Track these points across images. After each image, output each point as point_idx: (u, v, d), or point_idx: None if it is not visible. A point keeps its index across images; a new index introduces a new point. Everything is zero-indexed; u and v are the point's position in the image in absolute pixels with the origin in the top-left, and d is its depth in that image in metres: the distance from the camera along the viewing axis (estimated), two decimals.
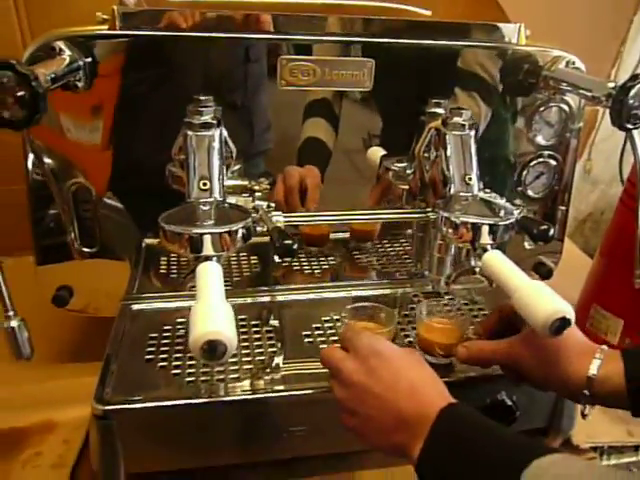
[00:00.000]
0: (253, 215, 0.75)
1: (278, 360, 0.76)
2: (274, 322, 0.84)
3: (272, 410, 0.67)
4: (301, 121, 0.83)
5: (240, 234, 0.67)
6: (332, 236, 0.97)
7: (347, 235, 0.98)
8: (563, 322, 0.56)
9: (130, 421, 0.63)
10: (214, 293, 0.57)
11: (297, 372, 0.72)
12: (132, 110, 0.77)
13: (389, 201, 0.96)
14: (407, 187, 0.91)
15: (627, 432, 0.79)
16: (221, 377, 0.69)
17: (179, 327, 0.79)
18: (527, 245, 0.93)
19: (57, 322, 0.90)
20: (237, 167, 0.82)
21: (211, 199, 0.70)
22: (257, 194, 0.79)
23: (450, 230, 0.73)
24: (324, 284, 0.93)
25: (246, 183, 0.81)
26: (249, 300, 0.89)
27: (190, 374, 0.69)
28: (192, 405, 0.65)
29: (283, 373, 0.72)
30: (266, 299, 0.89)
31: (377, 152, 0.92)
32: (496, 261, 0.67)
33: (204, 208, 0.69)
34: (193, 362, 0.71)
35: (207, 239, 0.64)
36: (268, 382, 0.69)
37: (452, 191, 0.77)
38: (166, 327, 0.78)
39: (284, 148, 0.84)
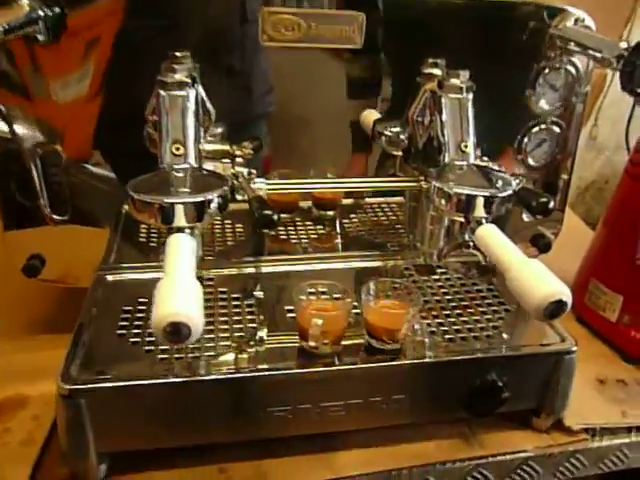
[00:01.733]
0: (235, 182, 0.71)
1: (262, 333, 0.72)
2: (258, 293, 0.81)
3: (253, 389, 0.64)
4: (303, 83, 0.78)
5: (215, 204, 0.62)
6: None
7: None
8: (559, 306, 0.52)
9: (98, 400, 0.60)
10: (182, 269, 0.52)
11: (282, 346, 0.69)
12: (109, 68, 0.71)
13: (381, 168, 0.91)
14: (400, 153, 0.85)
15: (621, 413, 0.76)
16: (196, 355, 0.66)
17: None
18: (525, 217, 0.88)
19: (31, 292, 0.86)
20: (219, 130, 0.77)
21: (185, 165, 0.65)
22: (238, 159, 0.74)
23: (443, 201, 0.68)
24: (311, 255, 0.88)
25: (227, 148, 0.76)
26: (233, 271, 0.84)
27: (164, 350, 0.66)
28: (165, 385, 0.61)
29: (268, 347, 0.69)
30: (251, 270, 0.85)
31: (371, 116, 0.86)
32: (490, 236, 0.63)
33: (177, 175, 0.64)
34: None
35: (179, 209, 0.60)
36: (249, 359, 0.66)
37: (446, 159, 0.72)
38: (142, 300, 0.74)
39: (286, 111, 0.81)
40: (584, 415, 0.75)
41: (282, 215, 0.95)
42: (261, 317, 0.74)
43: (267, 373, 0.63)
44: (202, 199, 0.61)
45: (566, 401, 0.72)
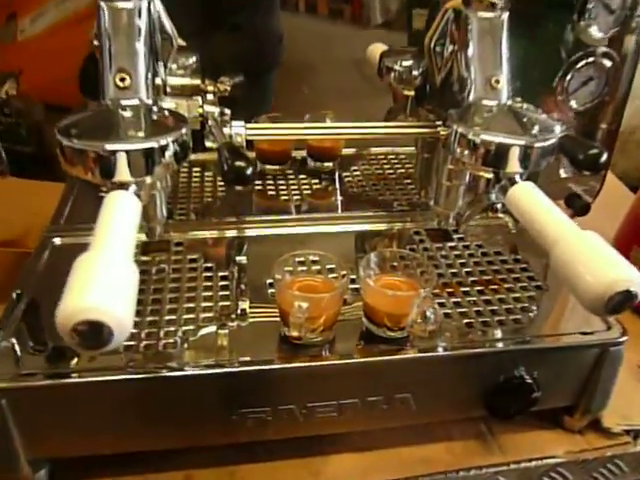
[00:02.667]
0: (207, 126, 0.56)
1: (244, 305, 0.59)
2: (241, 259, 0.67)
3: (222, 387, 0.51)
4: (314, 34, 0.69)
5: (171, 151, 0.48)
6: None
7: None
8: (626, 297, 0.38)
9: (25, 401, 0.48)
10: (113, 244, 0.39)
11: (265, 320, 0.56)
12: None
13: (390, 111, 0.76)
14: (412, 93, 0.70)
15: None
16: (153, 341, 0.53)
17: None
18: (563, 172, 0.73)
19: None
20: (190, 61, 0.61)
21: (133, 101, 0.50)
22: (209, 97, 0.59)
23: (466, 151, 0.54)
24: (305, 215, 0.74)
25: (197, 82, 0.61)
26: (211, 234, 0.70)
27: None
28: (108, 382, 0.48)
29: (251, 321, 0.57)
30: (232, 233, 0.71)
31: (378, 49, 0.71)
32: (528, 198, 0.48)
33: (122, 114, 0.49)
34: None
35: (121, 158, 0.45)
36: (218, 348, 0.53)
37: (472, 98, 0.56)
38: None
39: (297, 62, 0.72)
40: (625, 414, 0.62)
41: (272, 167, 0.84)
42: (242, 287, 0.61)
43: (239, 369, 0.50)
44: (152, 145, 0.46)
45: (607, 399, 0.59)
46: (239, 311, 0.58)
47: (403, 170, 0.83)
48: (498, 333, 0.56)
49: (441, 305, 0.58)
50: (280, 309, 0.52)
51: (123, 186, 0.46)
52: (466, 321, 0.57)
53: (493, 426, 0.61)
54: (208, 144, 0.54)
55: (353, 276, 0.57)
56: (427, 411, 0.56)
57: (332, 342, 0.53)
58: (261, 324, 0.56)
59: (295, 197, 0.77)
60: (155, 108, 0.51)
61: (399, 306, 0.51)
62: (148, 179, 0.47)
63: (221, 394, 0.51)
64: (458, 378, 0.54)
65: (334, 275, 0.55)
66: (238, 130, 0.59)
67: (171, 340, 0.53)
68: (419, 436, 0.59)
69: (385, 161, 0.85)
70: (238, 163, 0.48)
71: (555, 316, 0.59)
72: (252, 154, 0.82)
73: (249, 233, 0.72)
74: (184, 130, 0.49)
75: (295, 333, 0.48)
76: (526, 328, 0.57)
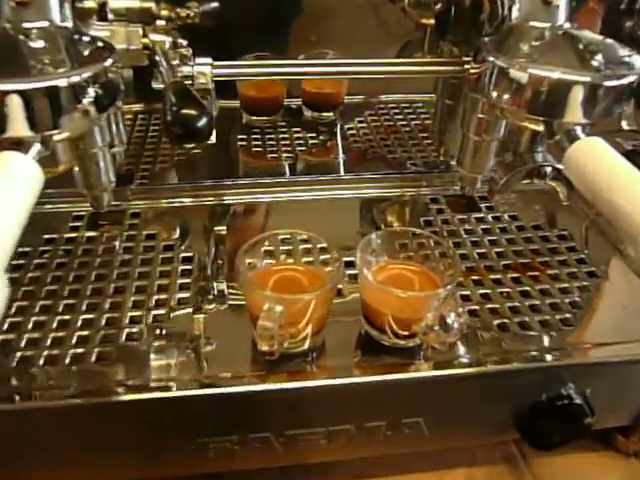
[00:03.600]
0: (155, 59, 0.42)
1: (221, 286, 0.47)
2: (220, 229, 0.54)
3: (174, 413, 0.39)
4: None
5: (91, 94, 0.34)
6: None
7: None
8: None
9: None
10: None
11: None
12: None
13: (404, 47, 0.61)
14: (432, 22, 0.55)
15: None
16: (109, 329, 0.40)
17: (66, 245, 0.49)
18: (625, 124, 0.57)
19: None
20: None
21: (40, 23, 0.36)
22: (160, 23, 0.45)
23: (505, 93, 0.39)
24: (297, 178, 0.60)
25: (148, 5, 0.46)
26: (184, 202, 0.57)
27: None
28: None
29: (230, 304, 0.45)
30: (209, 201, 0.58)
31: None
32: (598, 161, 0.34)
33: (25, 41, 0.35)
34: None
35: (14, 103, 0.32)
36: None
37: (514, 18, 0.41)
38: (47, 236, 0.49)
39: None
40: None
41: (260, 118, 0.70)
42: (219, 262, 0.49)
43: (195, 392, 0.37)
44: (59, 83, 0.32)
45: None
46: (215, 293, 0.46)
47: (419, 122, 0.69)
48: (540, 339, 0.42)
49: (464, 299, 0.45)
50: (249, 312, 0.39)
51: (20, 145, 0.32)
52: (498, 321, 0.43)
53: (526, 447, 0.48)
54: (155, 85, 0.40)
55: (352, 258, 0.44)
56: (443, 437, 0.43)
57: (320, 351, 0.40)
58: (240, 310, 0.43)
59: (287, 155, 0.64)
60: (76, 36, 0.37)
61: (409, 309, 0.37)
62: (56, 134, 0.34)
63: (176, 420, 0.39)
64: (486, 399, 0.41)
65: (327, 257, 0.42)
66: (202, 68, 0.45)
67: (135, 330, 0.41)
68: (433, 461, 0.47)
69: (397, 111, 0.71)
70: (185, 111, 0.34)
71: (615, 314, 0.45)
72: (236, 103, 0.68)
73: (229, 200, 0.58)
74: (108, 63, 0.34)
75: (265, 347, 0.35)
76: (577, 332, 0.43)
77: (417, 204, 0.58)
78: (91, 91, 0.34)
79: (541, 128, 0.38)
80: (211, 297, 0.46)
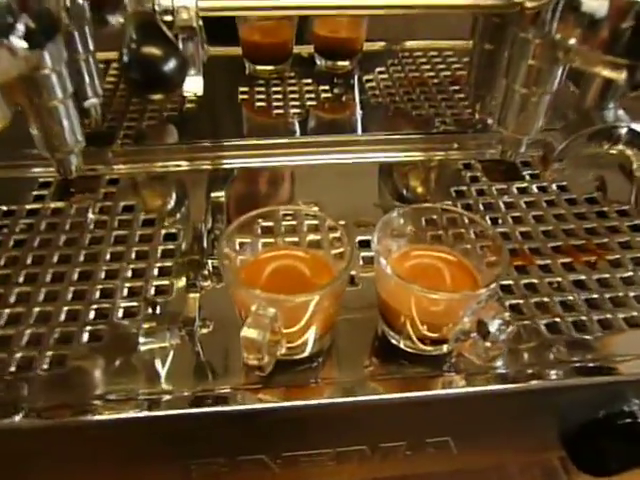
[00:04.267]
0: None
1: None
2: (218, 195, 0.47)
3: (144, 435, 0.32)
4: None
5: (18, 28, 0.25)
6: None
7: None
8: None
9: None
10: None
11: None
12: None
13: None
14: None
15: None
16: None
17: (27, 218, 0.42)
18: None
19: None
20: None
21: None
22: None
23: (575, 30, 0.29)
24: (305, 139, 0.52)
25: None
26: (176, 165, 0.49)
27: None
28: None
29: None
30: (204, 165, 0.50)
31: None
32: None
33: None
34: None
35: None
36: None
37: None
38: (5, 207, 0.42)
39: None
40: None
41: (265, 68, 0.61)
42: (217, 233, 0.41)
43: (174, 412, 0.30)
44: None
45: None
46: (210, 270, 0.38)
47: (449, 72, 0.59)
48: (600, 344, 0.34)
49: (504, 290, 0.37)
50: (236, 308, 0.31)
51: None
52: (546, 320, 0.35)
53: (569, 463, 0.41)
54: (112, 18, 0.32)
55: (369, 236, 0.36)
56: (474, 457, 0.36)
57: (327, 356, 0.33)
58: None
59: (295, 112, 0.55)
60: None
61: (439, 312, 0.29)
62: None
63: (151, 439, 0.32)
64: (528, 416, 0.34)
65: (337, 240, 0.33)
66: (185, 1, 0.36)
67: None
68: (462, 477, 0.40)
69: (424, 60, 0.61)
70: (146, 51, 0.26)
71: None
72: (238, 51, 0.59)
73: (228, 164, 0.50)
74: None
75: (253, 361, 0.27)
76: None
77: (447, 171, 0.49)
78: (18, 26, 0.25)
79: (622, 76, 0.29)
80: (206, 273, 0.38)
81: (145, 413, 0.30)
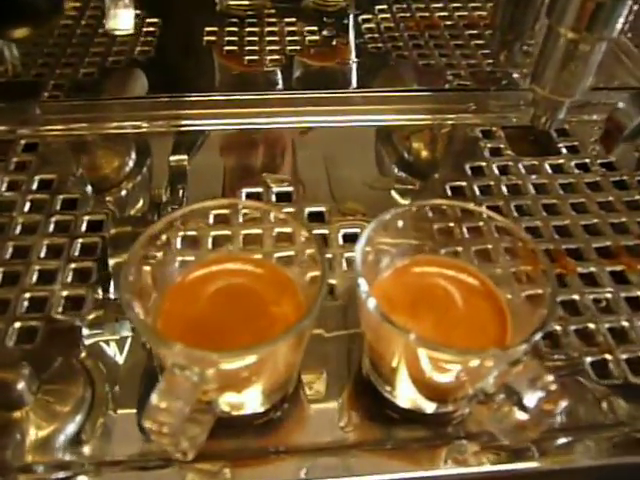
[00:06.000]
0: None
1: None
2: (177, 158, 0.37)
3: None
4: None
5: None
6: None
7: None
8: None
9: None
10: None
11: None
12: None
13: None
14: None
15: None
16: None
17: None
18: None
19: None
20: None
21: None
22: None
23: None
24: (286, 95, 0.42)
25: None
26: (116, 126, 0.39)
27: None
28: None
29: None
30: (159, 127, 0.40)
31: None
32: None
33: None
34: None
35: None
36: None
37: None
38: None
39: None
40: None
41: (240, 2, 0.49)
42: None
43: None
44: None
45: None
46: None
47: (465, 13, 0.48)
48: None
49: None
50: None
51: None
52: (591, 356, 0.26)
53: None
54: None
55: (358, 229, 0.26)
56: None
57: (288, 410, 0.23)
58: None
59: (273, 59, 0.44)
60: None
61: (447, 373, 0.20)
62: None
63: None
64: None
65: (307, 252, 0.23)
66: None
67: None
68: None
69: None
70: None
71: None
72: None
73: (188, 125, 0.40)
74: None
75: (167, 448, 0.18)
76: None
77: (460, 139, 0.38)
78: None
79: None
80: None
81: None
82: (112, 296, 0.28)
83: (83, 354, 0.26)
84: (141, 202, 0.34)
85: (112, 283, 0.28)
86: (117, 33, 0.31)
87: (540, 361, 0.22)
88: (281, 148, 0.39)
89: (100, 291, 0.28)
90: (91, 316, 0.27)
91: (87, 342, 0.26)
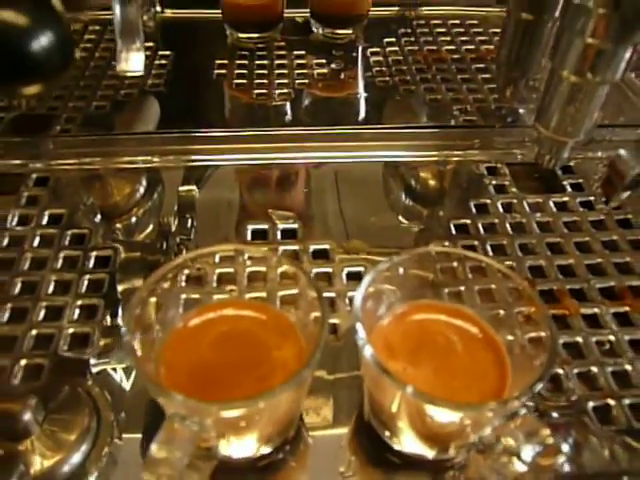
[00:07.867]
0: None
1: None
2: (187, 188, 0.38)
3: None
4: None
5: None
6: None
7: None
8: None
9: None
10: None
11: None
12: None
13: None
14: None
15: None
16: None
17: None
18: None
19: None
20: None
21: None
22: None
23: None
24: (293, 130, 0.42)
25: None
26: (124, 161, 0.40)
27: None
28: None
29: None
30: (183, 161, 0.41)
31: None
32: None
33: None
34: None
35: None
36: None
37: None
38: None
39: None
40: None
41: (248, 36, 0.50)
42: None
43: None
44: None
45: None
46: None
47: (472, 47, 0.48)
48: None
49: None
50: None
51: None
52: (594, 401, 0.26)
53: None
54: None
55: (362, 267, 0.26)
56: None
57: (287, 455, 0.24)
58: None
59: (283, 93, 0.44)
60: None
61: (446, 424, 0.20)
62: None
63: None
64: None
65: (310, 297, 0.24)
66: None
67: None
68: None
69: (443, 30, 0.50)
70: None
71: None
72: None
73: (198, 160, 0.40)
74: None
75: None
76: None
77: (465, 175, 0.39)
78: None
79: None
80: None
81: None
82: (120, 322, 0.28)
83: (90, 382, 0.26)
84: (150, 229, 0.35)
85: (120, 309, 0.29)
86: (128, 75, 0.32)
87: (538, 416, 0.22)
88: (288, 183, 0.39)
89: (108, 318, 0.29)
90: (100, 343, 0.28)
91: (94, 370, 0.27)
